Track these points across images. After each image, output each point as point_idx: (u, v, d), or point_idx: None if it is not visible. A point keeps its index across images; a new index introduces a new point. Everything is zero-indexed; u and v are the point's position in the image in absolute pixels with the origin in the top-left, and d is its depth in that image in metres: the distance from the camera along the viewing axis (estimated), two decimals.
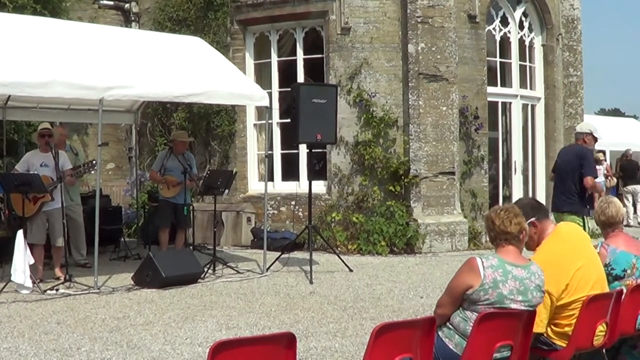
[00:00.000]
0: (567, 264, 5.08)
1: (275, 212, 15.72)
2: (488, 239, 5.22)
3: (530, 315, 4.75)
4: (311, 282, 10.98)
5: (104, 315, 8.67)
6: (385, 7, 15.03)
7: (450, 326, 4.80)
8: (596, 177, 10.50)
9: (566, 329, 5.08)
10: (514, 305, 4.68)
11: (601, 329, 5.22)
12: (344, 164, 15.10)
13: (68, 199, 11.62)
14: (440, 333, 4.77)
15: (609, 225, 6.04)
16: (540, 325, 4.96)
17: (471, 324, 4.61)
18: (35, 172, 10.63)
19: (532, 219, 5.27)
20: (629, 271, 5.71)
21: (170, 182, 12.74)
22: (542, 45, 17.43)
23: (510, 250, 4.85)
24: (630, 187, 21.77)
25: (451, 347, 4.73)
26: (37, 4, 15.31)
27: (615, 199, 6.33)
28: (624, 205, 21.34)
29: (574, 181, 10.20)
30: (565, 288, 5.02)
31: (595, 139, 10.63)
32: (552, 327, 5.12)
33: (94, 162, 11.27)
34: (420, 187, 14.59)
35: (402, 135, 14.83)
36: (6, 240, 11.68)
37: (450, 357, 4.69)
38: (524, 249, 5.00)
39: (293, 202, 15.53)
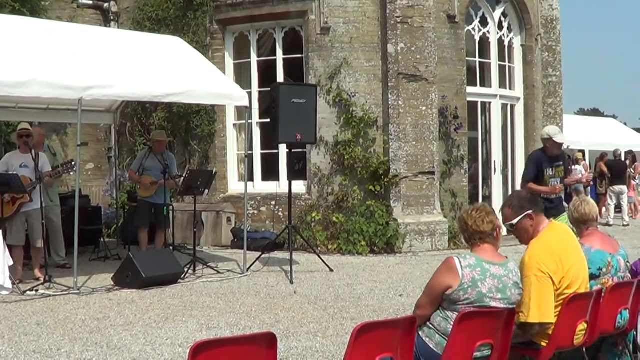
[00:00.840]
0: (564, 259, 5.10)
1: (256, 212, 15.71)
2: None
3: (510, 313, 4.77)
4: (292, 282, 10.98)
5: (84, 316, 8.65)
6: (365, 7, 15.04)
7: (431, 326, 4.80)
8: (529, 180, 10.40)
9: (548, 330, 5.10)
10: (493, 304, 4.70)
11: (581, 328, 5.25)
12: (324, 163, 15.11)
13: (47, 199, 11.57)
14: (420, 333, 4.78)
15: (582, 223, 6.06)
16: (551, 315, 4.99)
17: (452, 323, 4.62)
18: (15, 173, 10.58)
19: (529, 212, 5.28)
20: (604, 270, 5.74)
21: (145, 183, 12.71)
22: (522, 45, 17.51)
23: (486, 248, 4.88)
24: (616, 187, 21.81)
25: (432, 346, 4.73)
26: (16, 2, 15.21)
27: (589, 198, 6.38)
28: (607, 205, 21.58)
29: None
30: (561, 280, 5.05)
31: (558, 144, 10.38)
32: None
33: (72, 162, 11.22)
34: (400, 186, 14.62)
35: (382, 135, 14.86)
36: None
37: (431, 357, 4.70)
38: (514, 243, 5.03)
39: (273, 202, 15.53)
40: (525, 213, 5.27)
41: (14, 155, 11.22)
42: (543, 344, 5.12)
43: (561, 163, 10.44)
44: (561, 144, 10.47)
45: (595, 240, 5.91)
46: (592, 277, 5.68)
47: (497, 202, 16.78)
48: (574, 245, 5.40)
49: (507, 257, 4.98)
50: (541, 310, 4.93)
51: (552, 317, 5.01)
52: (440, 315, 4.79)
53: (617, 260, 5.81)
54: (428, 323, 4.82)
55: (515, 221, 5.30)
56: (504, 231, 5.23)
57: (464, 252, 5.15)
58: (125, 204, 15.52)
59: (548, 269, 4.99)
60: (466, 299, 4.66)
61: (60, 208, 12.61)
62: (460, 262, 4.73)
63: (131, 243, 13.36)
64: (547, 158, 10.37)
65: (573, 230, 5.95)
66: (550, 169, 10.29)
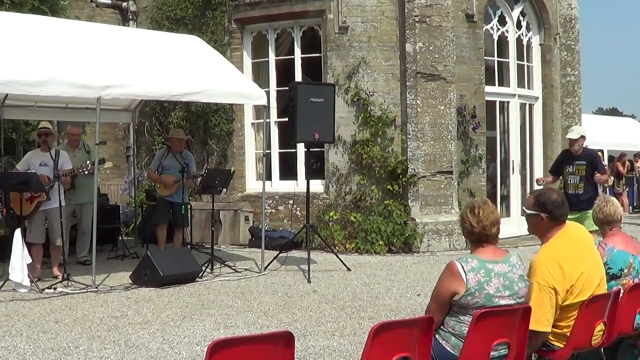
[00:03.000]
0: (574, 266, 5.02)
1: (273, 211, 15.71)
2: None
3: (526, 310, 4.74)
4: (309, 281, 10.98)
5: (102, 314, 8.68)
6: (383, 6, 15.01)
7: (446, 329, 4.78)
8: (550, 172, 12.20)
9: (565, 330, 5.05)
10: (503, 302, 4.68)
11: (599, 328, 5.21)
12: (342, 163, 15.09)
13: (84, 197, 12.15)
14: (437, 336, 4.75)
15: (607, 224, 6.04)
16: (545, 324, 4.92)
17: (466, 325, 4.60)
18: (33, 171, 10.62)
19: (543, 214, 5.20)
20: (625, 270, 5.71)
21: (165, 181, 12.76)
22: (540, 44, 17.43)
23: (488, 248, 4.84)
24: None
25: (448, 348, 4.71)
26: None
27: (613, 198, 6.34)
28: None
29: None
30: (569, 289, 4.99)
31: (570, 140, 11.51)
32: (552, 328, 5.10)
33: (87, 163, 11.25)
34: (418, 186, 14.59)
35: (400, 135, 14.83)
36: (4, 239, 11.71)
37: (448, 359, 4.68)
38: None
39: (291, 201, 15.53)
40: (539, 213, 5.23)
41: (35, 154, 11.29)
42: (560, 345, 5.09)
43: (583, 162, 11.10)
44: (574, 140, 11.30)
45: (618, 240, 5.87)
46: (613, 277, 5.65)
47: (515, 202, 16.75)
48: (588, 247, 5.31)
49: (508, 251, 4.94)
50: (536, 318, 4.86)
51: (547, 327, 4.95)
52: (453, 319, 4.76)
53: (638, 262, 5.77)
54: (442, 327, 4.80)
55: (527, 212, 5.29)
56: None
57: (464, 254, 5.11)
58: (144, 203, 15.57)
59: (553, 279, 4.91)
60: (475, 302, 4.63)
61: (92, 206, 12.63)
62: (462, 267, 4.68)
63: (149, 241, 13.40)
64: (569, 156, 11.40)
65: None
66: (570, 166, 11.27)
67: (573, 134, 11.44)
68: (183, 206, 12.72)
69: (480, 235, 4.83)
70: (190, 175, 12.64)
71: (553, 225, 5.25)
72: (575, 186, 11.23)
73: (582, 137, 11.40)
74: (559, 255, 5.07)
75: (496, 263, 4.75)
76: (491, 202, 5.02)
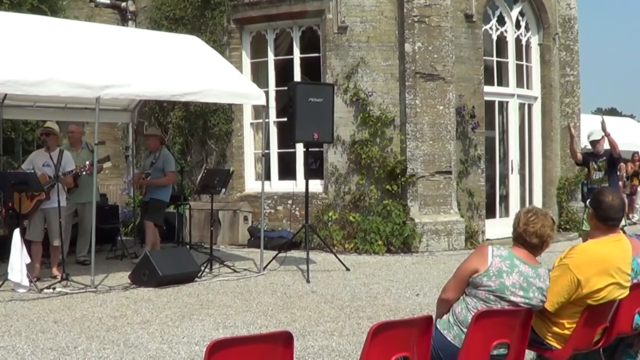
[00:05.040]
0: (608, 275, 5.03)
1: (272, 211, 15.72)
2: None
3: (528, 313, 4.75)
4: (308, 281, 10.99)
5: (100, 314, 8.67)
6: (382, 6, 15.02)
7: (450, 316, 4.82)
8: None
9: (566, 332, 5.06)
10: (513, 298, 4.70)
11: (600, 331, 5.22)
12: (341, 163, 15.10)
13: (85, 197, 12.16)
14: (438, 326, 4.80)
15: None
16: (550, 303, 4.97)
17: (471, 313, 4.65)
18: (33, 171, 10.61)
19: (593, 212, 5.34)
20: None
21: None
22: (539, 44, 17.46)
23: (524, 251, 4.89)
24: None
25: (449, 339, 4.74)
26: None
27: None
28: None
29: None
30: (595, 291, 4.99)
31: (592, 142, 13.02)
32: (553, 328, 5.09)
33: (87, 164, 11.23)
34: (417, 186, 14.60)
35: (399, 135, 14.83)
36: (3, 239, 11.71)
37: (448, 349, 4.70)
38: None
39: (290, 201, 15.53)
40: (591, 210, 5.37)
41: (38, 154, 11.26)
42: (558, 346, 5.09)
43: (604, 158, 12.67)
44: (596, 141, 12.80)
45: None
46: None
47: (514, 201, 16.76)
48: (627, 263, 5.26)
49: (541, 263, 4.96)
50: (548, 296, 4.95)
51: (551, 308, 5.01)
52: (461, 304, 4.81)
53: (637, 263, 5.75)
54: (448, 313, 4.85)
55: (583, 204, 5.50)
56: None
57: (464, 254, 5.15)
58: None
59: (584, 273, 4.94)
60: (488, 285, 4.69)
61: (94, 206, 12.63)
62: (492, 251, 4.80)
63: None
64: (593, 155, 12.89)
65: None
66: (594, 163, 12.73)
67: (596, 136, 12.84)
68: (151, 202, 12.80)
69: (519, 236, 4.92)
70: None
71: (600, 225, 5.29)
72: (600, 181, 12.55)
73: (603, 138, 12.59)
74: (603, 257, 5.08)
75: (524, 264, 4.81)
76: (552, 218, 5.04)
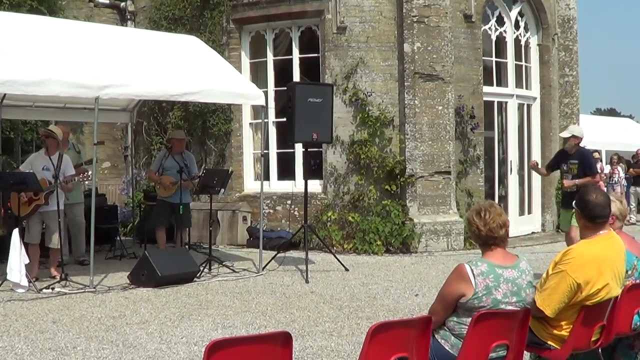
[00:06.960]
0: (605, 274, 5.04)
1: (271, 211, 15.72)
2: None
3: (526, 313, 4.74)
4: (307, 282, 10.99)
5: (99, 314, 8.68)
6: (381, 6, 15.02)
7: (446, 329, 4.78)
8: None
9: (564, 332, 5.06)
10: (509, 307, 4.67)
11: (598, 330, 5.22)
12: (340, 163, 15.10)
13: (74, 197, 12.03)
14: (436, 335, 4.75)
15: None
16: (550, 310, 4.96)
17: (466, 326, 4.60)
18: (31, 171, 10.58)
19: (579, 210, 5.35)
20: (629, 272, 5.68)
21: (164, 183, 12.68)
22: (538, 45, 17.46)
23: (498, 251, 4.81)
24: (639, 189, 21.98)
25: (447, 348, 4.71)
26: (33, 0, 15.27)
27: (618, 196, 6.31)
28: (629, 205, 21.57)
29: None
30: (594, 292, 4.99)
31: (563, 139, 11.97)
32: (551, 329, 5.09)
33: (89, 173, 11.12)
34: (416, 186, 14.60)
35: (398, 135, 14.83)
36: (2, 239, 11.71)
37: (447, 358, 4.68)
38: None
39: (289, 202, 15.53)
40: (577, 209, 5.37)
41: (38, 157, 11.15)
42: (556, 346, 5.09)
43: (576, 161, 11.17)
44: (566, 139, 11.49)
45: (624, 240, 5.85)
46: None
47: (513, 202, 16.76)
48: (622, 262, 5.29)
49: (518, 256, 4.92)
50: (547, 301, 4.94)
51: (551, 313, 4.98)
52: (454, 319, 4.75)
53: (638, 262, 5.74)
54: (443, 326, 4.80)
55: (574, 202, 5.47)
56: None
57: (473, 256, 5.10)
58: (142, 203, 15.56)
59: (584, 278, 4.94)
60: (481, 306, 4.62)
61: (83, 206, 12.65)
62: (472, 270, 4.66)
63: (147, 241, 13.40)
64: (565, 155, 11.50)
65: None
66: (565, 165, 11.39)
67: (565, 133, 11.75)
68: (182, 206, 12.62)
69: (487, 238, 4.81)
70: (190, 177, 12.57)
71: (589, 224, 5.29)
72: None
73: (574, 137, 11.31)
74: (599, 257, 5.08)
75: (506, 268, 4.73)
76: (498, 205, 5.02)
